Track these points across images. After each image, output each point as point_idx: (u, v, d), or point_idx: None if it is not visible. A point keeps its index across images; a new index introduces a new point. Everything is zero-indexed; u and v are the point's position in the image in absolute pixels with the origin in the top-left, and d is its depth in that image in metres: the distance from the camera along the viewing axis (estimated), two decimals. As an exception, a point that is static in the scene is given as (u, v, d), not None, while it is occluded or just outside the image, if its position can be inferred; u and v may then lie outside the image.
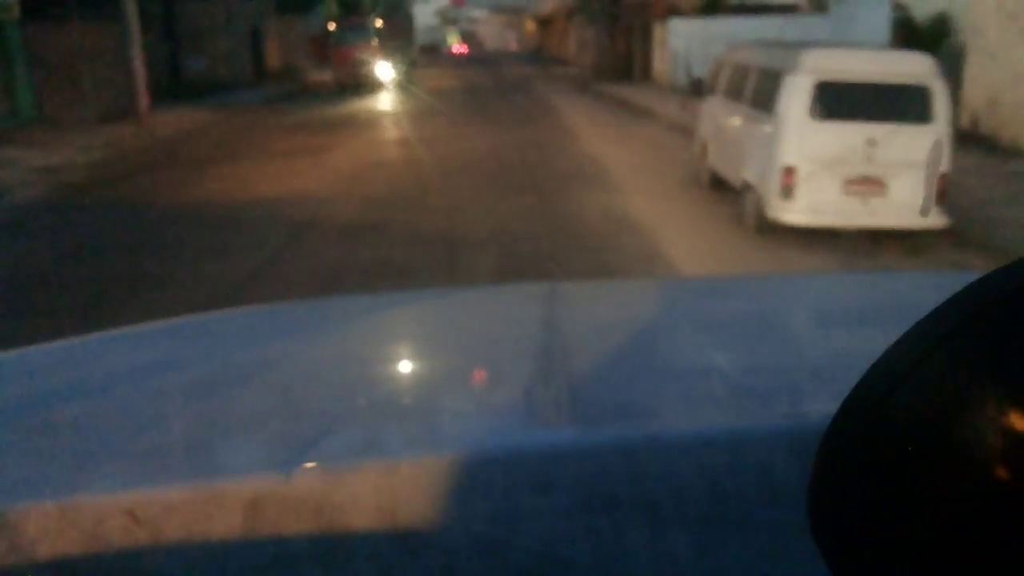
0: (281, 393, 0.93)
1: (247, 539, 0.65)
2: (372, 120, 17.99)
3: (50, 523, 0.64)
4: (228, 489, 0.67)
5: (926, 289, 1.33)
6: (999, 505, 0.36)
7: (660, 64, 23.10)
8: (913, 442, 0.38)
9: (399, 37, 31.72)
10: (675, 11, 21.84)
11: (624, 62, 25.78)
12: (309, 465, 0.69)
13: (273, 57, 32.75)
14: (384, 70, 25.74)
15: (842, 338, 1.13)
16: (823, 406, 0.46)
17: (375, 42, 26.30)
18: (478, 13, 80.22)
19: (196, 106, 19.50)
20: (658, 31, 23.26)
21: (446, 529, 0.66)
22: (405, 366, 1.10)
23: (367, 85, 24.78)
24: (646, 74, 24.05)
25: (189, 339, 1.21)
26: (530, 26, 56.99)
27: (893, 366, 0.40)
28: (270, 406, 0.89)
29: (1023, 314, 0.38)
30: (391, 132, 16.09)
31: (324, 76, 32.90)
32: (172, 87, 23.10)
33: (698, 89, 8.31)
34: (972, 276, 0.39)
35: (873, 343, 0.43)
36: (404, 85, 25.96)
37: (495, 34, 76.85)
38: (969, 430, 0.36)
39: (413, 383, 1.03)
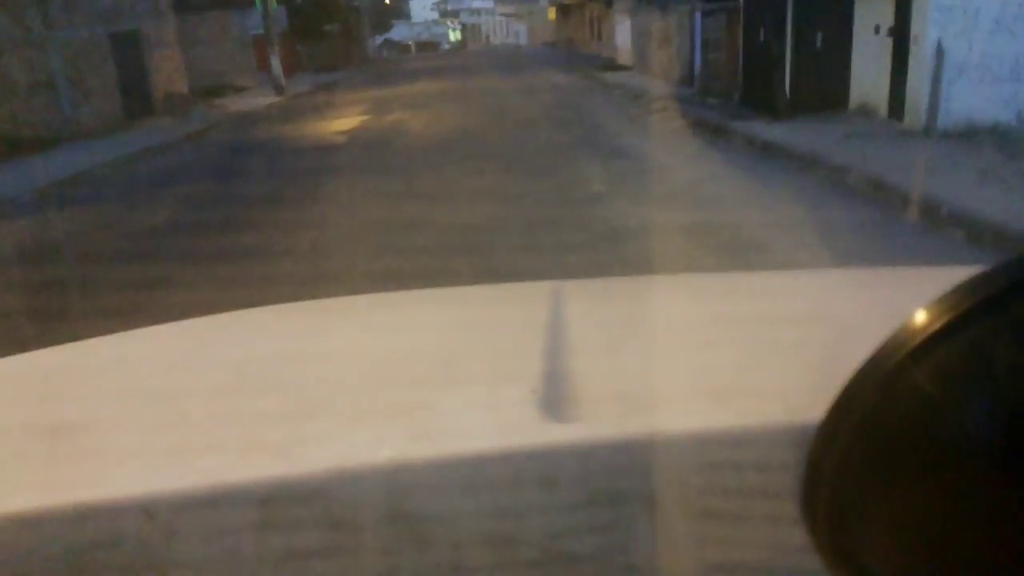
0: (291, 392, 0.94)
1: (259, 536, 0.67)
2: None
3: (65, 522, 0.66)
4: (241, 487, 0.69)
5: (922, 286, 1.25)
6: (989, 498, 0.36)
7: (878, 76, 11.30)
8: (905, 437, 0.39)
9: None
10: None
11: (762, 74, 13.72)
12: (320, 463, 0.72)
13: (174, 77, 21.19)
14: None
15: (839, 334, 1.05)
16: (822, 401, 0.47)
17: None
18: (480, 3, 69.20)
19: None
20: (863, 8, 11.49)
21: (453, 524, 0.69)
22: (412, 364, 1.06)
23: None
24: (835, 96, 12.17)
25: (199, 339, 1.22)
26: (551, 15, 45.44)
27: (886, 362, 0.40)
28: (281, 405, 0.90)
29: (1015, 311, 0.38)
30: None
31: (262, 99, 21.73)
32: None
33: None
34: (965, 273, 0.40)
35: (869, 339, 0.44)
36: None
37: (502, 27, 65.59)
38: (960, 425, 0.37)
39: (420, 381, 0.98)
